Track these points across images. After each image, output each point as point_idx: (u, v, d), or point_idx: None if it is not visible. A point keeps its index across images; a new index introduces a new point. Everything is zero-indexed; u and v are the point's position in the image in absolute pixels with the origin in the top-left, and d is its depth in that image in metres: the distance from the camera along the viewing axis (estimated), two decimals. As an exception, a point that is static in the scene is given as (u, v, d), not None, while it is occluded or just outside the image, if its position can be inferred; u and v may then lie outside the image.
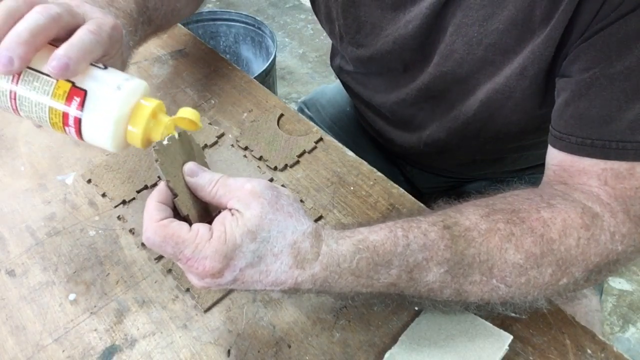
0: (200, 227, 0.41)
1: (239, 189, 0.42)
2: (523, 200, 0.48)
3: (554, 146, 0.52)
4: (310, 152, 0.67)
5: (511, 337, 0.48)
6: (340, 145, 0.68)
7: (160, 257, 0.56)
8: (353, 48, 0.70)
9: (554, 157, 0.52)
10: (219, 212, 0.43)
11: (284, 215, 0.42)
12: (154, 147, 0.43)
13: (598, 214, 0.47)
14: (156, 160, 0.43)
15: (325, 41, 2.33)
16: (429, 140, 0.72)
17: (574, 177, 0.50)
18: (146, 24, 0.62)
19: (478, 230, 0.45)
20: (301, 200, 0.61)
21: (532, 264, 0.45)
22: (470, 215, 0.46)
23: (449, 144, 0.71)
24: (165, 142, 0.43)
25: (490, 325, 0.49)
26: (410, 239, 0.44)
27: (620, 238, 0.46)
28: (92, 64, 0.44)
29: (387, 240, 0.44)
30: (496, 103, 0.59)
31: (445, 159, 0.79)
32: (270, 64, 1.57)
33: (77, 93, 0.43)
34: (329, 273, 0.42)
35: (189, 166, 0.44)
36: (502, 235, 0.45)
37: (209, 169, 0.45)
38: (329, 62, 0.86)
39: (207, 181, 0.43)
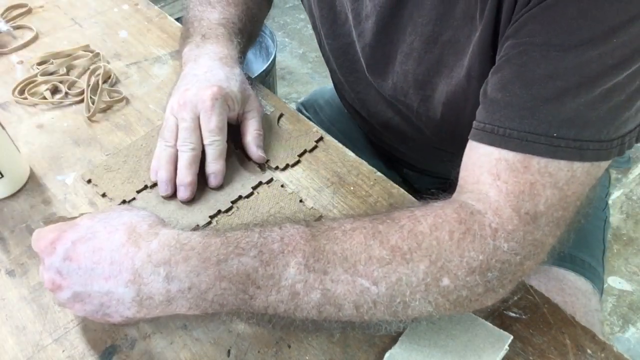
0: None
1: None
2: (405, 207, 0.47)
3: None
4: (311, 151, 0.67)
5: (511, 337, 0.48)
6: (340, 145, 0.68)
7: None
8: (329, 41, 0.69)
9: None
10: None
11: (130, 210, 0.48)
12: None
13: (479, 210, 0.44)
14: None
15: (325, 41, 2.33)
16: (416, 146, 0.71)
17: (468, 171, 0.47)
18: (247, 44, 0.73)
19: (342, 229, 0.44)
20: (301, 201, 0.61)
21: (400, 260, 0.42)
22: (339, 219, 0.46)
23: (439, 148, 0.70)
24: None
25: (490, 325, 0.49)
26: (267, 233, 0.44)
27: (505, 235, 0.43)
28: None
29: (239, 230, 0.44)
30: (456, 106, 0.58)
31: (440, 162, 0.79)
32: (270, 64, 1.57)
33: None
34: (170, 253, 0.42)
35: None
36: (367, 233, 0.43)
37: None
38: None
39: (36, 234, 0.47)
